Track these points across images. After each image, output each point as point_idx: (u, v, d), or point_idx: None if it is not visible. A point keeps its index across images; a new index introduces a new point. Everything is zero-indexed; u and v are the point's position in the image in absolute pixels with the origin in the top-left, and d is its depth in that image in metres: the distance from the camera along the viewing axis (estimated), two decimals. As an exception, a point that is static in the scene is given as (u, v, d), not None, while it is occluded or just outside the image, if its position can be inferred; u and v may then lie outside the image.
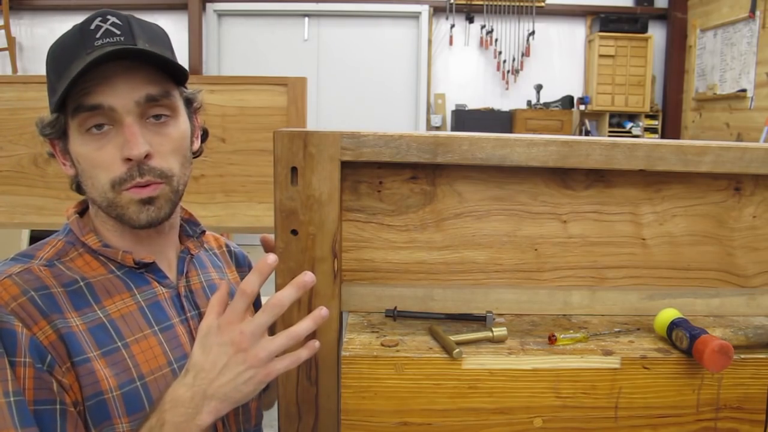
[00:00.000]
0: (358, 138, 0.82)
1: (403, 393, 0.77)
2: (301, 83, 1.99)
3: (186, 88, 0.93)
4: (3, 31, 5.60)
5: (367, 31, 6.23)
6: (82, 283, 0.84)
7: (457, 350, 0.76)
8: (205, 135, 1.01)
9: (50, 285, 0.81)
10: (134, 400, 0.81)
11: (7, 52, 5.66)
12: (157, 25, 0.91)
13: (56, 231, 0.93)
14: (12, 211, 2.04)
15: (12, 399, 0.72)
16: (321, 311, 0.75)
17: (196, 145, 0.97)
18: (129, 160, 0.82)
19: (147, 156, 0.83)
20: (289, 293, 0.73)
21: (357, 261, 0.90)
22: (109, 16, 0.83)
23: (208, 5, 5.98)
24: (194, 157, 0.96)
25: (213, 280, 1.01)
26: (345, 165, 0.84)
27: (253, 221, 2.18)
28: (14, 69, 5.71)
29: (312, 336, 0.77)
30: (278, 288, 0.87)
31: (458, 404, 0.78)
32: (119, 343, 0.83)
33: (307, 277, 0.74)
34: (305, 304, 0.86)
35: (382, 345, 0.79)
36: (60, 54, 0.83)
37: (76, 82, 0.79)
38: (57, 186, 2.01)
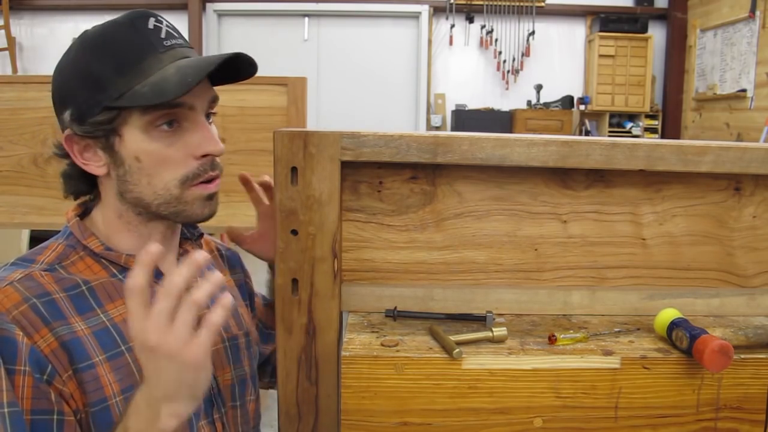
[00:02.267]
0: (358, 138, 0.82)
1: (403, 393, 0.77)
2: (301, 83, 1.99)
3: None
4: (3, 31, 5.60)
5: (367, 31, 6.23)
6: (84, 287, 0.84)
7: (457, 350, 0.76)
8: None
9: (52, 291, 0.80)
10: None
11: (7, 52, 5.66)
12: None
13: (56, 231, 0.92)
14: (12, 211, 2.03)
15: (7, 410, 0.71)
16: (199, 260, 0.67)
17: None
18: (204, 156, 0.85)
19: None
20: (180, 275, 0.66)
21: (357, 261, 0.90)
22: (159, 18, 0.85)
23: (208, 5, 5.98)
24: None
25: None
26: (345, 165, 0.84)
27: (253, 221, 2.17)
28: (14, 69, 5.70)
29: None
30: (278, 288, 0.87)
31: (458, 404, 0.78)
32: (123, 347, 0.82)
33: (152, 247, 0.67)
34: (305, 303, 0.86)
35: (382, 345, 0.79)
36: (118, 50, 0.81)
37: (189, 87, 0.78)
38: (57, 186, 2.00)
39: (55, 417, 0.75)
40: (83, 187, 0.90)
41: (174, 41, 0.84)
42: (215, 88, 0.90)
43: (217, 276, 0.68)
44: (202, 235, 1.04)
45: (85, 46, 0.83)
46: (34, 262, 0.84)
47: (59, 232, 0.91)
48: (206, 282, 0.67)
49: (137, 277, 0.67)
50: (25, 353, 0.74)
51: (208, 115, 0.88)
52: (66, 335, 0.78)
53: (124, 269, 0.88)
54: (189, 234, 1.01)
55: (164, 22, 0.85)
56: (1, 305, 0.76)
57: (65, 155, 0.87)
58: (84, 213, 0.93)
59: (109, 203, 0.89)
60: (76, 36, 0.87)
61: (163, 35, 0.83)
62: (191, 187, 0.85)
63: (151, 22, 0.83)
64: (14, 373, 0.73)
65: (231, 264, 1.12)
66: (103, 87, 0.81)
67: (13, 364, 0.73)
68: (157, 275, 0.91)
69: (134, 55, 0.81)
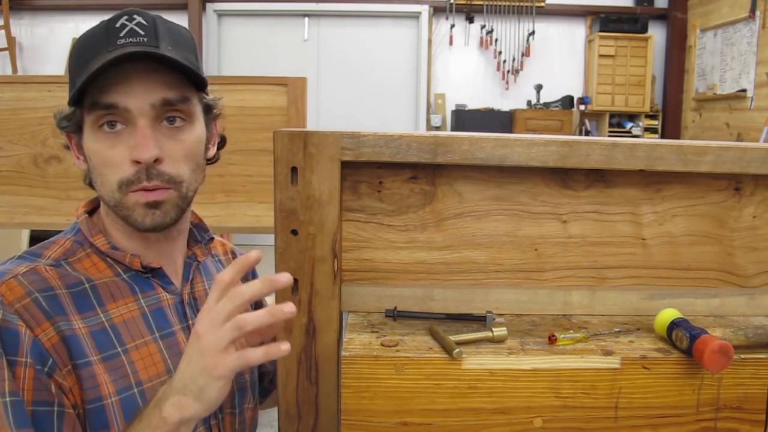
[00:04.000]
0: (358, 138, 0.82)
1: (403, 393, 0.77)
2: (301, 83, 1.99)
3: (206, 94, 0.92)
4: (3, 31, 5.60)
5: (367, 31, 6.22)
6: (87, 285, 0.84)
7: (457, 350, 0.76)
8: (222, 142, 1.00)
9: (55, 286, 0.81)
10: (131, 407, 0.80)
11: (7, 52, 5.66)
12: (185, 29, 0.90)
13: (56, 231, 0.92)
14: (12, 211, 2.03)
15: (8, 399, 0.71)
16: (284, 307, 0.68)
17: (212, 151, 0.96)
18: (137, 162, 0.82)
19: (156, 160, 0.82)
20: (255, 287, 0.69)
21: (357, 261, 0.90)
22: (135, 16, 0.83)
23: (208, 5, 5.98)
24: (209, 163, 0.96)
25: None
26: (345, 165, 0.84)
27: (253, 221, 2.18)
28: (14, 69, 5.70)
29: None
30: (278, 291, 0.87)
31: (458, 404, 0.78)
32: (119, 349, 0.82)
33: (283, 277, 0.69)
34: (305, 303, 0.86)
35: (382, 345, 0.79)
36: (82, 49, 0.83)
37: (94, 79, 0.79)
38: (57, 186, 2.01)
39: (55, 409, 0.75)
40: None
41: (131, 39, 0.80)
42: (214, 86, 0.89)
43: (284, 308, 0.68)
44: (212, 239, 1.03)
45: (72, 46, 0.88)
46: (41, 257, 0.85)
47: (60, 231, 0.92)
48: (266, 312, 0.68)
49: (226, 274, 0.70)
50: (27, 345, 0.74)
51: (172, 119, 0.84)
52: (66, 330, 0.78)
53: (129, 269, 0.88)
54: (199, 237, 1.00)
55: (135, 20, 0.82)
56: (4, 297, 0.76)
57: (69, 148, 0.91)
58: (93, 210, 0.93)
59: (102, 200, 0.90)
60: (77, 36, 0.88)
61: (123, 33, 0.81)
62: (129, 192, 0.83)
63: (122, 21, 0.82)
64: (15, 365, 0.73)
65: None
66: (72, 85, 0.83)
67: (14, 356, 0.73)
68: (163, 280, 0.91)
69: (88, 53, 0.82)
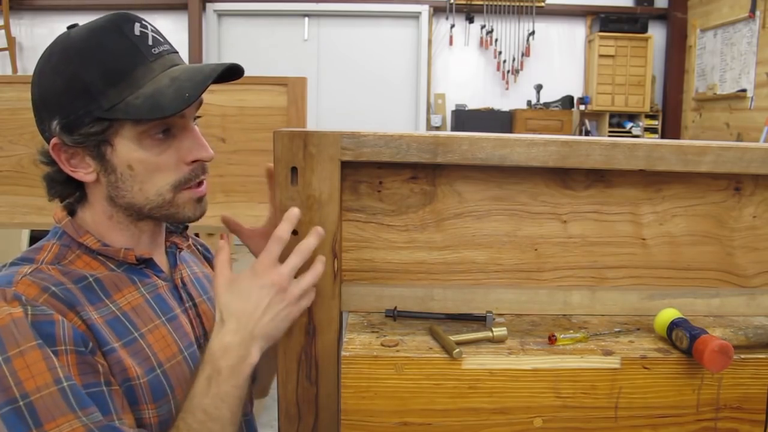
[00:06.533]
0: (358, 138, 0.82)
1: (403, 393, 0.77)
2: (301, 83, 1.99)
3: None
4: (3, 31, 5.60)
5: (367, 31, 6.22)
6: (91, 279, 0.85)
7: (457, 350, 0.76)
8: None
9: (64, 281, 0.82)
10: (158, 387, 0.84)
11: (7, 52, 5.66)
12: None
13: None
14: (12, 211, 2.04)
15: (65, 384, 0.73)
16: (317, 229, 0.83)
17: None
18: (194, 162, 0.88)
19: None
20: (311, 240, 0.82)
21: (357, 261, 0.90)
22: (142, 21, 0.84)
23: (208, 5, 5.98)
24: None
25: (197, 274, 1.04)
26: (345, 165, 0.84)
27: (253, 221, 2.17)
28: (14, 69, 5.70)
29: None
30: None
31: (458, 404, 0.78)
32: (136, 334, 0.85)
33: (293, 211, 0.82)
34: (305, 304, 0.86)
35: (382, 345, 0.79)
36: (106, 58, 0.80)
37: (186, 98, 0.79)
38: (57, 186, 2.00)
39: (104, 388, 0.77)
40: (69, 190, 0.90)
41: (162, 48, 0.84)
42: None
43: (318, 229, 0.83)
44: (186, 227, 1.07)
45: (69, 52, 0.81)
46: (34, 261, 0.84)
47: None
48: (314, 235, 0.82)
49: (286, 232, 0.82)
50: (66, 331, 0.76)
51: (194, 119, 0.91)
52: (87, 320, 0.80)
53: (122, 263, 0.90)
54: (174, 228, 1.04)
55: (149, 27, 0.84)
56: (26, 294, 0.77)
57: (51, 162, 0.86)
58: (71, 213, 0.93)
59: (97, 205, 0.90)
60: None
61: (150, 42, 0.83)
62: (182, 190, 0.88)
63: (137, 28, 0.82)
64: (58, 354, 0.75)
65: (205, 256, 1.16)
66: (94, 97, 0.80)
67: (54, 345, 0.75)
68: (155, 269, 0.94)
69: (124, 64, 0.80)
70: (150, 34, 0.84)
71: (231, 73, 0.87)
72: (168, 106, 0.79)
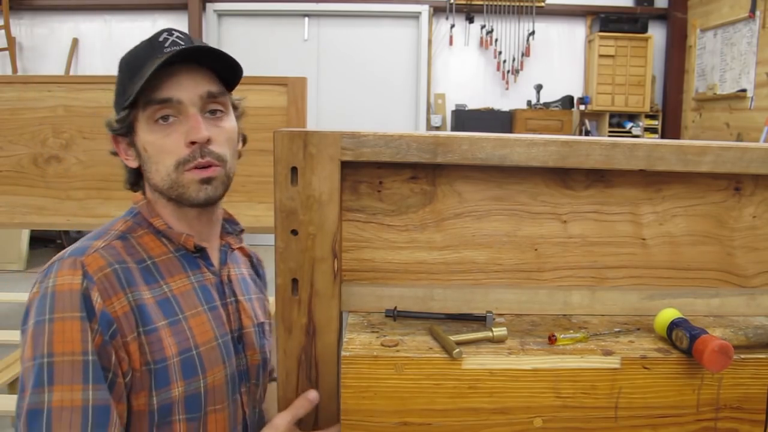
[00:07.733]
0: (358, 138, 0.82)
1: (403, 393, 0.77)
2: (301, 83, 1.99)
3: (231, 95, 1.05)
4: (3, 31, 5.60)
5: (367, 31, 6.23)
6: (149, 262, 0.96)
7: (457, 350, 0.76)
8: (244, 140, 1.12)
9: (127, 260, 0.93)
10: (190, 366, 0.93)
11: (7, 52, 5.66)
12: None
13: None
14: (12, 211, 2.04)
15: (91, 358, 0.82)
16: (308, 395, 0.88)
17: (240, 146, 1.09)
18: (192, 143, 0.94)
19: (208, 141, 0.95)
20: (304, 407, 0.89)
21: (357, 261, 0.90)
22: (174, 31, 0.97)
23: (208, 5, 5.98)
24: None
25: (243, 274, 1.12)
26: (345, 165, 0.84)
27: (253, 221, 2.18)
28: (14, 69, 5.70)
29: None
30: (278, 288, 0.87)
31: (458, 404, 0.78)
32: (180, 316, 0.95)
33: (311, 395, 0.88)
34: (305, 303, 0.86)
35: (382, 345, 0.79)
36: (133, 61, 0.96)
37: (151, 80, 0.91)
38: (57, 186, 2.01)
39: (110, 376, 0.85)
40: (133, 178, 1.03)
41: (176, 48, 0.94)
42: (238, 88, 1.02)
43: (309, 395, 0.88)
44: (243, 230, 1.16)
45: (120, 63, 0.99)
46: (108, 232, 0.97)
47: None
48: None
49: (284, 419, 0.88)
50: (98, 313, 0.85)
51: (213, 111, 0.98)
52: (138, 300, 0.90)
53: (180, 248, 1.00)
54: (231, 229, 1.12)
55: (175, 34, 0.96)
56: (88, 267, 0.88)
57: (116, 154, 1.02)
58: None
59: (147, 190, 1.02)
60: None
61: (167, 44, 0.95)
62: (185, 171, 0.95)
63: (163, 36, 0.96)
64: (93, 331, 0.84)
65: (255, 268, 1.22)
66: (122, 92, 0.97)
67: (92, 321, 0.84)
68: (206, 261, 1.03)
69: (139, 62, 0.95)
70: (172, 38, 0.95)
71: (228, 66, 0.97)
72: (144, 74, 0.90)
